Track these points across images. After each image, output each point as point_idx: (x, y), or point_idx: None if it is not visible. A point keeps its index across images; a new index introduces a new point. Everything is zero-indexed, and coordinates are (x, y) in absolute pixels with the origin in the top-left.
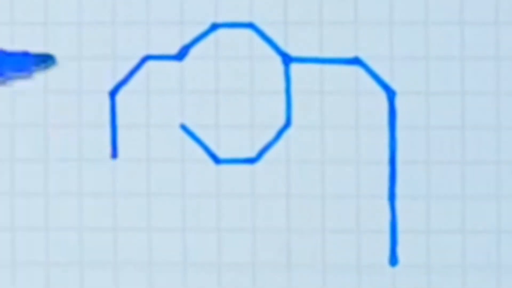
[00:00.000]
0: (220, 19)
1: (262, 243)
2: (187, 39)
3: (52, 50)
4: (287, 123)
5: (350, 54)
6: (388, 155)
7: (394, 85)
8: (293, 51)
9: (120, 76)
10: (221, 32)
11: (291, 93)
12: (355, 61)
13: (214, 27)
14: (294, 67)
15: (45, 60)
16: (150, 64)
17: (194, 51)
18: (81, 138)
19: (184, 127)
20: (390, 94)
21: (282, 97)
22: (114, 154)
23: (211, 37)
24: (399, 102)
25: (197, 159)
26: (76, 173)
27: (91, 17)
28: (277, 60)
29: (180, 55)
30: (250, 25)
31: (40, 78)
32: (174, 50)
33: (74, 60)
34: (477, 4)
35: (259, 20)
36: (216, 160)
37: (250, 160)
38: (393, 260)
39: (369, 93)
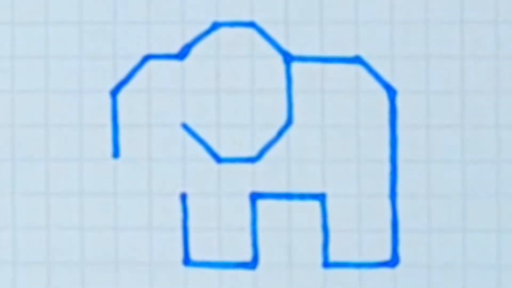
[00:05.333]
0: (221, 18)
1: (264, 243)
2: (188, 38)
3: (52, 50)
4: (288, 122)
5: (351, 53)
6: (389, 154)
7: (394, 84)
8: (294, 50)
9: (121, 75)
10: (222, 31)
11: (292, 92)
12: (356, 60)
13: (216, 26)
14: (295, 66)
15: None
16: (151, 63)
17: (195, 50)
18: (82, 138)
19: (185, 126)
20: (391, 93)
21: (283, 96)
22: (116, 153)
23: (213, 36)
24: (399, 101)
25: (199, 158)
26: (78, 172)
27: (92, 16)
28: (278, 59)
29: (182, 54)
30: (252, 24)
31: (40, 77)
32: (175, 49)
33: (74, 59)
34: (477, 4)
35: (261, 19)
36: (218, 159)
37: (251, 159)
38: (394, 258)
39: (370, 92)
